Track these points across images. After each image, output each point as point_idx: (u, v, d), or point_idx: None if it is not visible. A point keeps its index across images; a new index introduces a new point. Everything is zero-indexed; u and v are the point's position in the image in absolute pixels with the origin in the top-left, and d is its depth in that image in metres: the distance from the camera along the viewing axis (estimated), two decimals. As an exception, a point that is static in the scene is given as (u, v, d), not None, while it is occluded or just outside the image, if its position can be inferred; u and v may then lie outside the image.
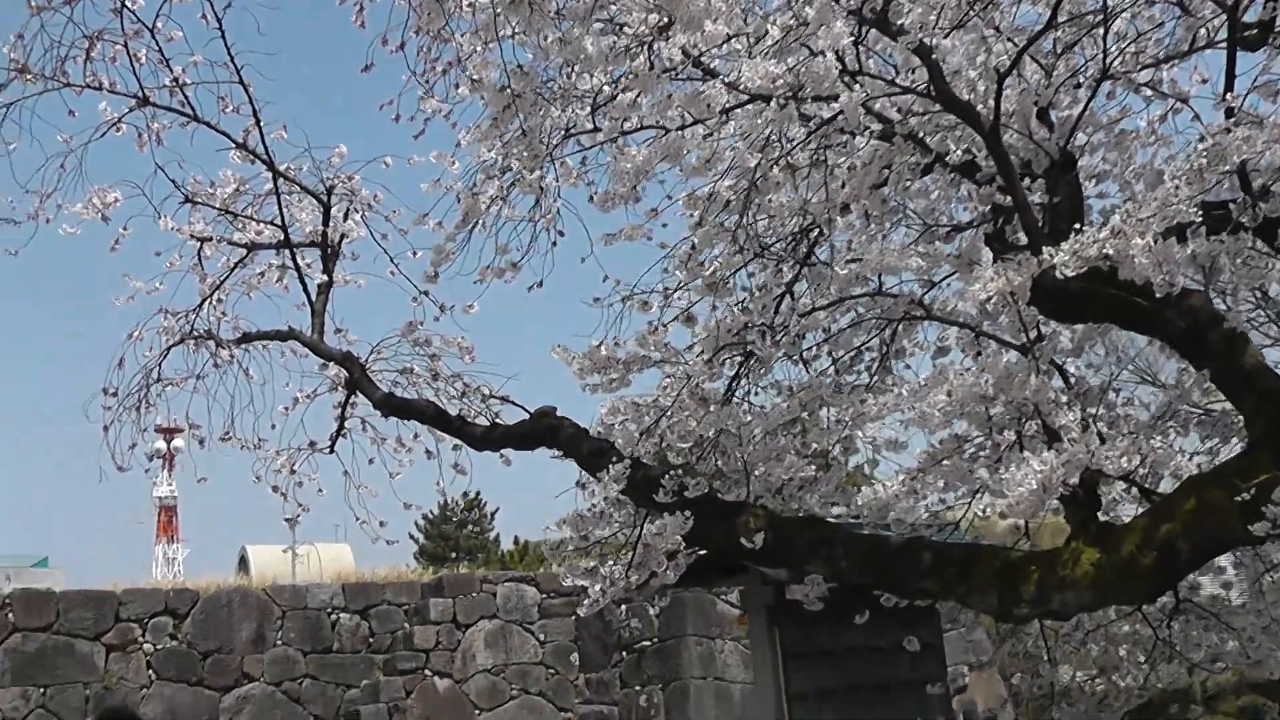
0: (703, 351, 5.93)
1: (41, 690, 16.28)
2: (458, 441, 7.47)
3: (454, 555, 47.87)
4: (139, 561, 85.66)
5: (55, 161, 6.87)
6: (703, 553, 6.31)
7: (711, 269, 5.97)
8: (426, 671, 18.32)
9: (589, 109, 5.67)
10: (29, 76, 6.48)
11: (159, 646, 17.31)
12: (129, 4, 6.39)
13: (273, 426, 8.18)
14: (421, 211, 6.65)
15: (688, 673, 17.14)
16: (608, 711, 18.42)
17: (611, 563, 6.21)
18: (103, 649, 17.01)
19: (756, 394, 6.58)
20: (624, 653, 18.48)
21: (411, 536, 52.73)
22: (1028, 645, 10.18)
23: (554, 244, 6.29)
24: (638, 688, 18.02)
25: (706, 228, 5.73)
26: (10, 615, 16.54)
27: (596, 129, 5.70)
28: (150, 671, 17.12)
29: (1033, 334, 5.36)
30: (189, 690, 17.23)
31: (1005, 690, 18.52)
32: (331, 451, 8.01)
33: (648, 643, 18.02)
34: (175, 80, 6.83)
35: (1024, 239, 5.36)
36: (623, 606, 6.45)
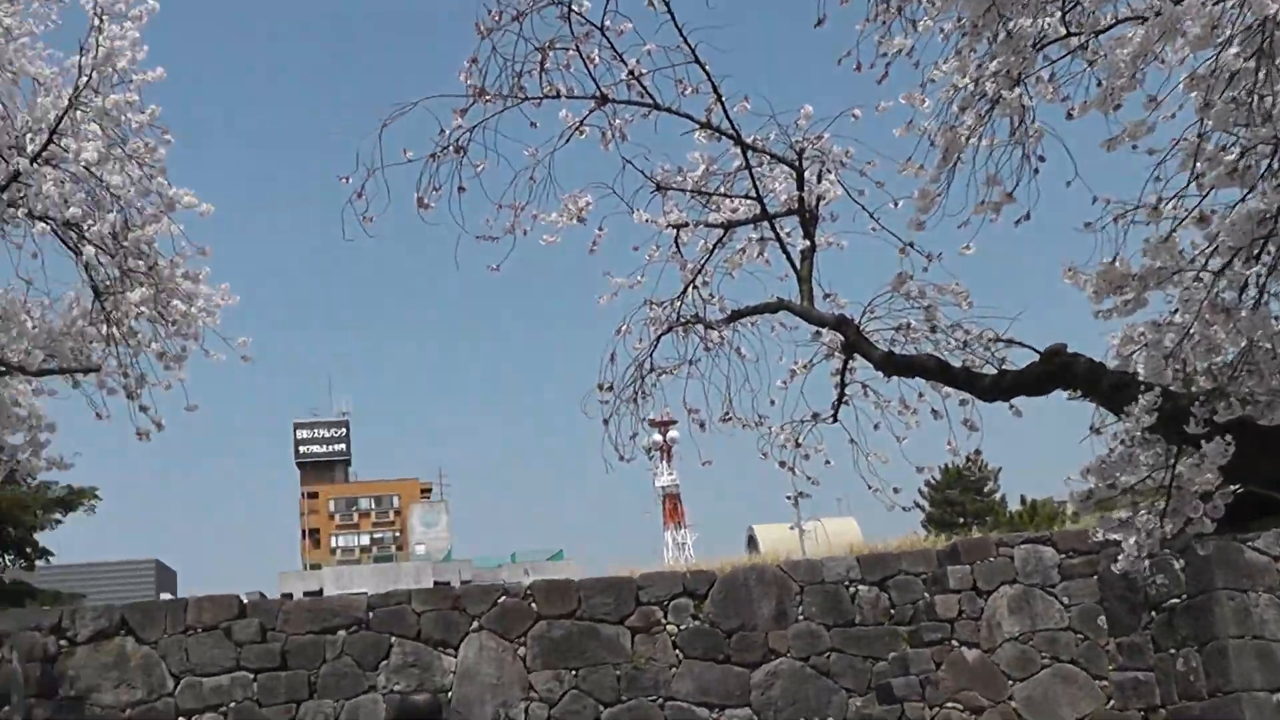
0: (1219, 253, 5.50)
1: (573, 672, 18.28)
2: (965, 397, 7.44)
3: (961, 521, 47.53)
4: (649, 548, 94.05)
5: (524, 175, 7.51)
6: (1239, 491, 5.84)
7: (1230, 154, 5.45)
8: (953, 642, 18.35)
9: (1059, 14, 5.47)
10: (487, 98, 7.13)
11: (682, 627, 18.73)
12: (575, 7, 6.85)
13: (771, 403, 8.51)
14: (896, 159, 6.65)
15: (1223, 631, 16.01)
16: (1144, 679, 17.55)
17: (1144, 512, 5.99)
18: (627, 631, 18.72)
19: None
20: (1153, 612, 17.56)
21: (917, 504, 53.10)
22: None
23: (1036, 171, 6.09)
24: (1172, 650, 17.07)
25: (1217, 107, 5.25)
26: (533, 604, 18.75)
27: (1071, 34, 5.50)
28: (676, 651, 18.61)
29: None
30: (718, 667, 18.48)
31: None
32: (834, 421, 8.16)
33: (1177, 600, 17.01)
34: (631, 73, 7.23)
35: None
36: (1147, 561, 6.12)
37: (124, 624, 16.86)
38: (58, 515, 40.20)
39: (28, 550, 39.31)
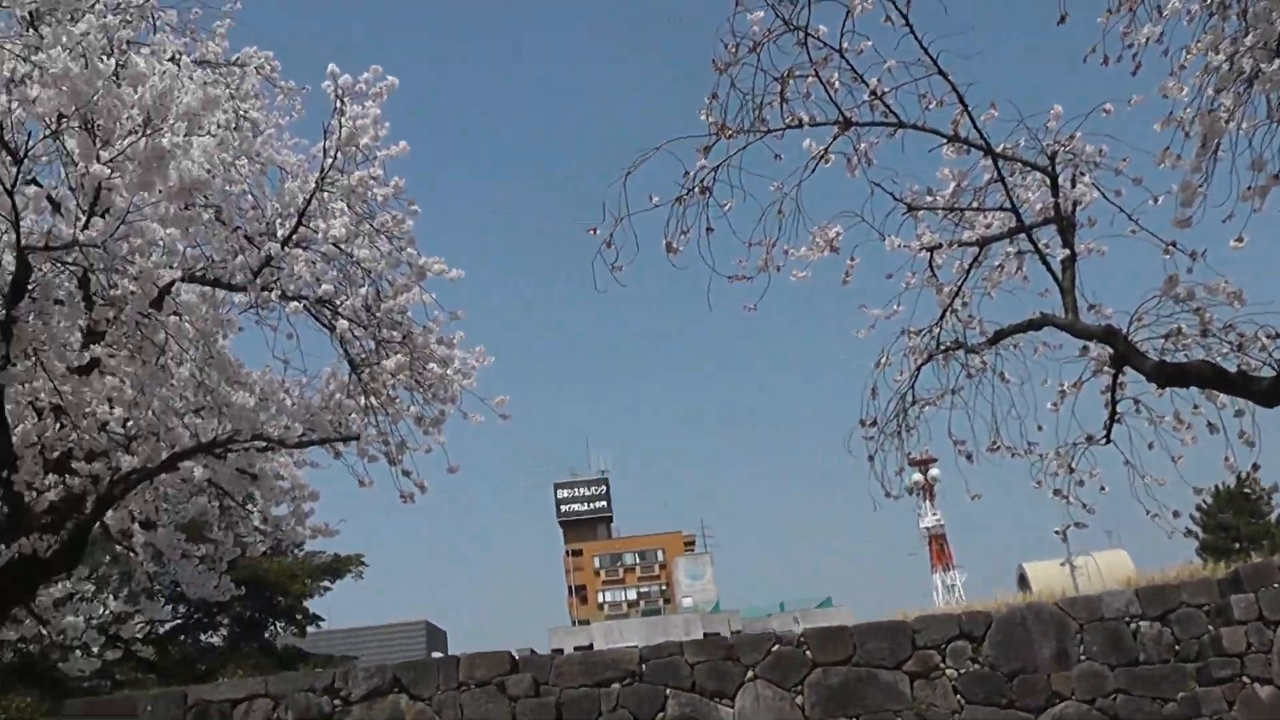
0: None
1: (855, 719, 18.22)
2: (1241, 406, 7.16)
3: (1237, 546, 44.60)
4: (917, 590, 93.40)
5: (772, 210, 7.64)
6: None
7: None
8: (1244, 679, 17.26)
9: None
10: (730, 133, 7.32)
11: (961, 671, 18.38)
12: (812, 32, 6.97)
13: (1039, 428, 8.40)
14: (1151, 153, 6.39)
15: None
16: None
17: None
18: (905, 677, 18.52)
19: None
20: None
21: (1188, 530, 50.43)
22: None
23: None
24: None
25: None
26: (808, 652, 18.82)
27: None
28: (958, 696, 18.24)
29: None
30: (1000, 713, 17.89)
31: None
32: (1107, 441, 8.00)
33: None
34: (873, 93, 7.28)
35: None
36: None
37: (397, 682, 17.79)
38: (326, 582, 43.13)
39: (298, 617, 42.28)
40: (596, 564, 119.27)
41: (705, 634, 43.45)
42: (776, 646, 19.53)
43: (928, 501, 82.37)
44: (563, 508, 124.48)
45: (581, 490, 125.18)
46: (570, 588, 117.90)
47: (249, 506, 13.05)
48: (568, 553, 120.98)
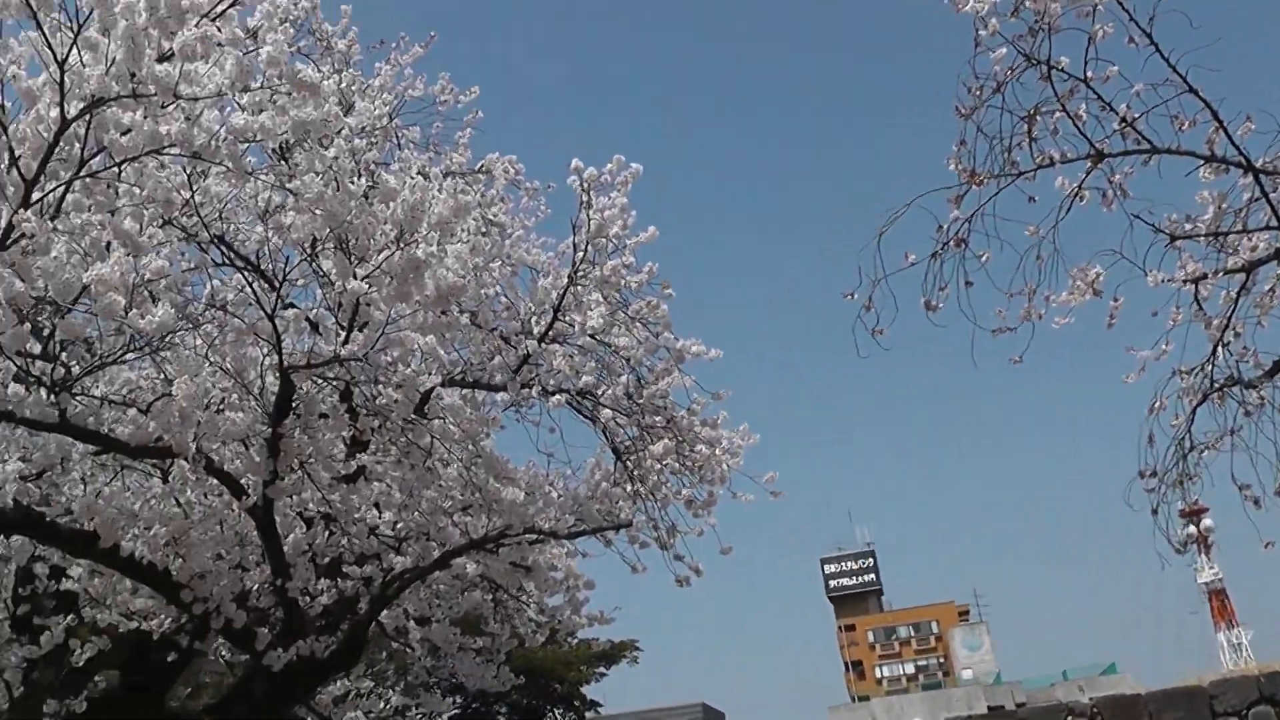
0: None
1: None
2: None
3: None
4: (1201, 652, 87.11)
5: (1029, 255, 7.28)
6: None
7: None
8: None
9: None
10: (980, 180, 7.00)
11: (1266, 738, 16.91)
12: (1055, 65, 6.63)
13: None
14: None
15: None
16: None
17: None
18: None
19: None
20: None
21: None
22: None
23: None
24: None
25: None
26: (1100, 722, 17.67)
27: None
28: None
29: None
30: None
31: None
32: None
33: None
34: (1123, 119, 6.87)
35: None
36: None
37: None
38: (602, 668, 43.59)
39: (576, 703, 42.85)
40: (870, 638, 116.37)
41: (989, 707, 41.54)
42: (1069, 718, 18.60)
43: (1204, 555, 76.37)
44: (831, 583, 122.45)
45: (849, 564, 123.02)
46: (846, 663, 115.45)
47: (524, 598, 13.14)
48: (840, 628, 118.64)
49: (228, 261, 8.82)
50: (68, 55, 6.09)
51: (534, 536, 10.92)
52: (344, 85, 9.65)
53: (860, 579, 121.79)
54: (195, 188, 7.30)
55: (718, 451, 11.61)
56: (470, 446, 9.86)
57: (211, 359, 8.03)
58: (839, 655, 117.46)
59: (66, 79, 6.10)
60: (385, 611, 11.42)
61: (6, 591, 11.36)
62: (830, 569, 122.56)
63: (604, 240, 10.70)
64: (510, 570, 11.70)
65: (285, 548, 9.22)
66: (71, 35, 6.07)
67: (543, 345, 10.47)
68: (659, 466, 11.45)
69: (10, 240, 6.04)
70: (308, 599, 9.75)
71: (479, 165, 10.87)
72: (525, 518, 10.57)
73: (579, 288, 10.80)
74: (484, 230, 9.01)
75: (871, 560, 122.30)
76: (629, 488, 11.38)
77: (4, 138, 6.29)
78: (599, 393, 11.05)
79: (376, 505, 9.86)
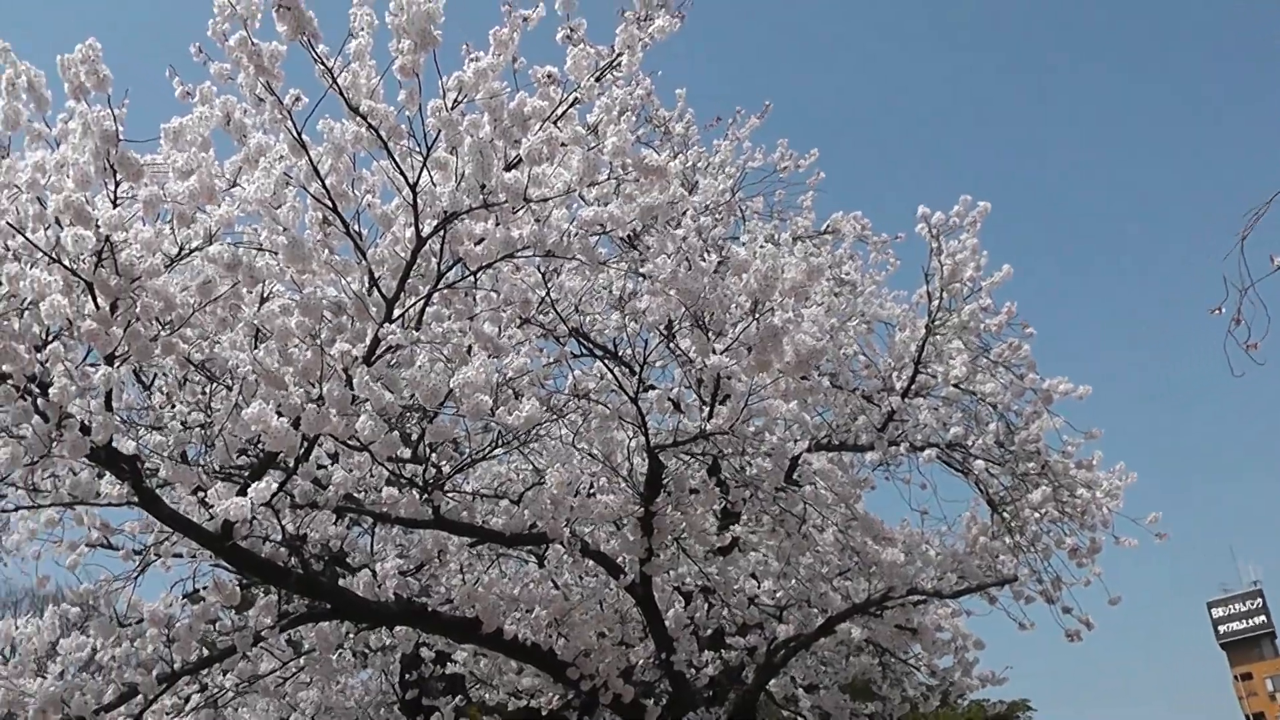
0: None
1: None
2: None
3: None
4: None
5: None
6: None
7: None
8: None
9: None
10: None
11: None
12: None
13: None
14: None
15: None
16: None
17: None
18: None
19: None
20: None
21: None
22: None
23: None
24: None
25: None
26: None
27: None
28: None
29: None
30: None
31: None
32: None
33: None
34: None
35: None
36: None
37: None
38: (994, 731, 41.56)
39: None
40: (1270, 686, 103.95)
41: None
42: None
43: None
44: (1220, 628, 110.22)
45: (1236, 606, 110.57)
46: (1246, 716, 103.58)
47: (912, 661, 12.68)
48: (1236, 677, 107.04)
49: (587, 352, 9.03)
50: (419, 177, 6.35)
51: (917, 597, 10.52)
52: (686, 166, 9.75)
53: (1250, 621, 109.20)
54: (549, 284, 7.50)
55: (1097, 495, 10.80)
56: (844, 509, 9.58)
57: (579, 446, 8.19)
58: (1237, 708, 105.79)
59: (419, 200, 6.37)
60: (773, 680, 11.25)
61: (394, 676, 12.06)
62: (1218, 612, 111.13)
63: (958, 285, 10.23)
64: (896, 633, 11.29)
65: (667, 622, 9.25)
66: (421, 158, 6.33)
67: (906, 400, 10.11)
68: (1037, 516, 10.77)
69: (376, 355, 6.33)
70: (693, 671, 9.74)
71: (825, 226, 10.69)
72: (907, 578, 10.17)
73: (938, 337, 10.37)
74: (836, 290, 8.79)
75: (1261, 600, 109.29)
76: (1008, 540, 10.76)
77: (364, 261, 6.62)
78: (969, 443, 10.52)
79: (754, 575, 9.75)
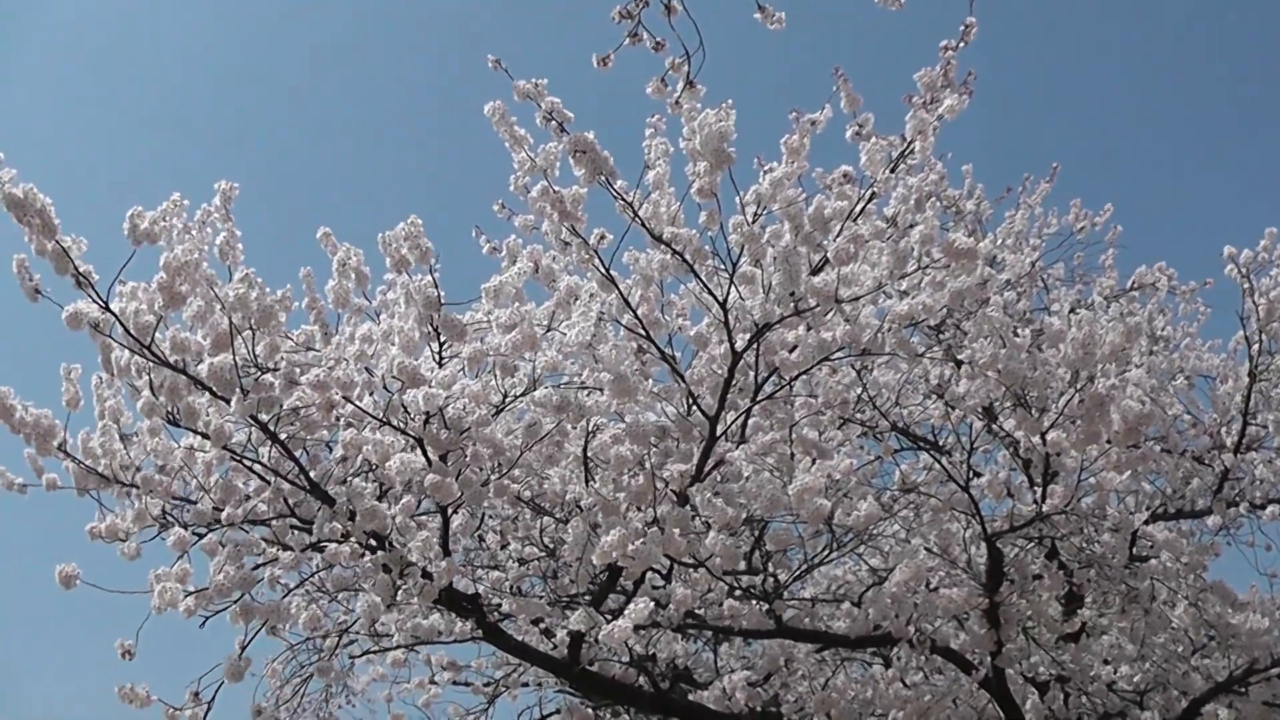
0: None
1: None
2: None
3: None
4: None
5: None
6: None
7: None
8: None
9: None
10: None
11: None
12: None
13: None
14: None
15: None
16: None
17: None
18: None
19: None
20: None
21: None
22: None
23: None
24: None
25: None
26: None
27: None
28: None
29: None
30: None
31: None
32: None
33: None
34: None
35: None
36: None
37: None
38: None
39: None
40: None
41: None
42: None
43: None
44: None
45: None
46: None
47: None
48: None
49: (910, 445, 8.88)
50: (727, 294, 6.42)
51: (1281, 670, 9.68)
52: (988, 244, 9.61)
53: None
54: (865, 382, 7.43)
55: None
56: (1193, 579, 8.96)
57: (913, 541, 8.01)
58: None
59: (730, 316, 6.43)
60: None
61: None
62: None
63: (1277, 325, 9.58)
64: (1266, 711, 10.38)
65: (1025, 715, 8.81)
66: (728, 275, 6.41)
67: (1239, 456, 9.46)
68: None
69: (705, 473, 6.37)
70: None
71: (1130, 282, 10.27)
72: (1269, 647, 9.37)
73: (1263, 384, 9.70)
74: (1153, 349, 8.37)
75: None
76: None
77: (683, 384, 6.72)
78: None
79: (1107, 660, 9.20)
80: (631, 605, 5.80)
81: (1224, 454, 9.37)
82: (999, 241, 9.89)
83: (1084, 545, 8.27)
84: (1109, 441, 7.21)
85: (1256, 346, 9.55)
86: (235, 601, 6.22)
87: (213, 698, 6.45)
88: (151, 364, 5.99)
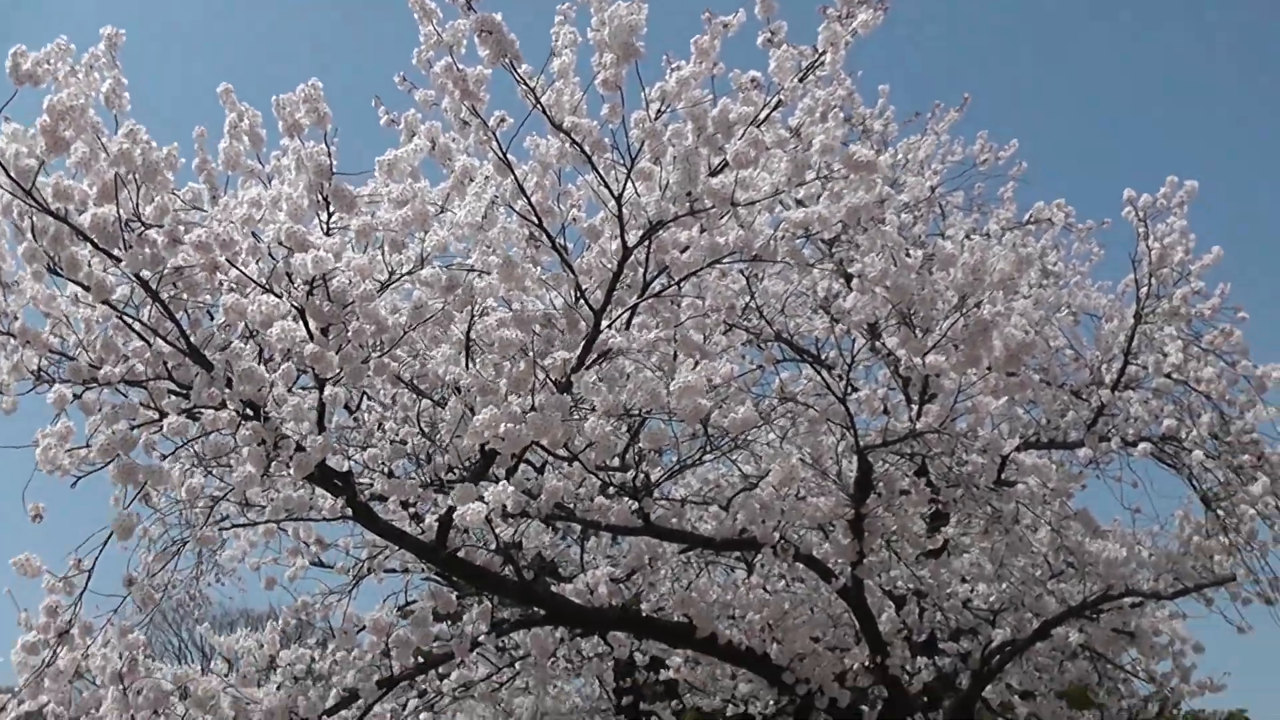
0: None
1: None
2: None
3: None
4: None
5: None
6: None
7: None
8: None
9: None
10: None
11: None
12: None
13: None
14: None
15: None
16: None
17: None
18: None
19: None
20: None
21: None
22: None
23: None
24: None
25: None
26: None
27: None
28: None
29: None
30: None
31: None
32: None
33: None
34: None
35: None
36: None
37: None
38: (1214, 740, 39.64)
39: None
40: None
41: None
42: None
43: None
44: None
45: None
46: None
47: (1129, 667, 12.22)
48: None
49: (793, 357, 9.00)
50: (624, 189, 6.42)
51: (1132, 600, 10.15)
52: (891, 163, 9.67)
53: None
54: (754, 290, 7.51)
55: (1320, 489, 10.24)
56: (1058, 507, 9.30)
57: (785, 449, 8.16)
58: None
59: (625, 210, 6.44)
60: (989, 686, 10.99)
61: (610, 684, 12.23)
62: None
63: (1167, 270, 9.85)
64: (1113, 637, 10.90)
65: (880, 626, 9.14)
66: (625, 170, 6.40)
67: (1117, 393, 9.76)
68: (1251, 512, 10.25)
69: (587, 364, 6.41)
70: (907, 677, 9.60)
71: (1028, 216, 10.44)
72: (1124, 578, 9.82)
73: (1147, 326, 9.99)
74: (1042, 282, 8.56)
75: None
76: (1223, 539, 10.28)
77: (572, 274, 6.73)
78: (1182, 437, 10.10)
79: (965, 578, 9.55)
80: (492, 488, 5.86)
81: (1101, 390, 9.66)
82: (902, 161, 9.97)
83: (954, 465, 8.52)
84: (989, 367, 7.40)
85: (1145, 290, 9.81)
86: (110, 462, 6.13)
87: (92, 566, 6.41)
88: (33, 209, 5.81)
